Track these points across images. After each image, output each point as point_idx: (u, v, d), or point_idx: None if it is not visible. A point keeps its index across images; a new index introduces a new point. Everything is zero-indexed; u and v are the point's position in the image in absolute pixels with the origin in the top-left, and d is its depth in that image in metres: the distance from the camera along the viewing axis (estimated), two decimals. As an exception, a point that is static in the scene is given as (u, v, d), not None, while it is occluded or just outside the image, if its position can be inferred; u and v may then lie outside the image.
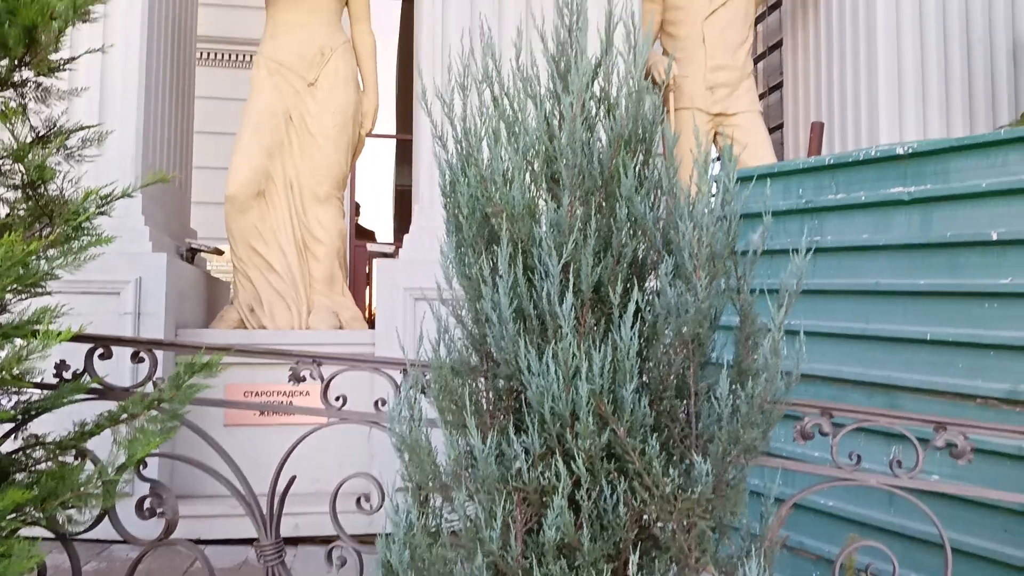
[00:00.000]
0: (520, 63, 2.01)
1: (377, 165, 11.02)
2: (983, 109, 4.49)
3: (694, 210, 1.43)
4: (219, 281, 5.32)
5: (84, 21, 2.07)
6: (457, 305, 1.85)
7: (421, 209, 4.37)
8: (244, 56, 7.59)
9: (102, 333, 2.57)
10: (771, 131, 5.56)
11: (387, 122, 9.53)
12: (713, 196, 1.63)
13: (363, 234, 9.78)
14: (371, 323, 4.94)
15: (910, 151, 2.91)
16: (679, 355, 1.43)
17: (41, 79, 2.10)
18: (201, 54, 7.20)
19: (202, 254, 4.93)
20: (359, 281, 8.59)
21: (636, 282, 1.57)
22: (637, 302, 1.42)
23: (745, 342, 1.52)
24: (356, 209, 9.50)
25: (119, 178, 3.71)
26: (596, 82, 1.93)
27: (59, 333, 1.68)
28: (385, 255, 4.90)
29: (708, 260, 1.43)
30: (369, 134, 4.87)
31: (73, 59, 2.06)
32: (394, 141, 10.11)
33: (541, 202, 1.80)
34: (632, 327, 1.36)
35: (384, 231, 10.64)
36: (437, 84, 4.13)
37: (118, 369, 2.75)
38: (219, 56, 7.53)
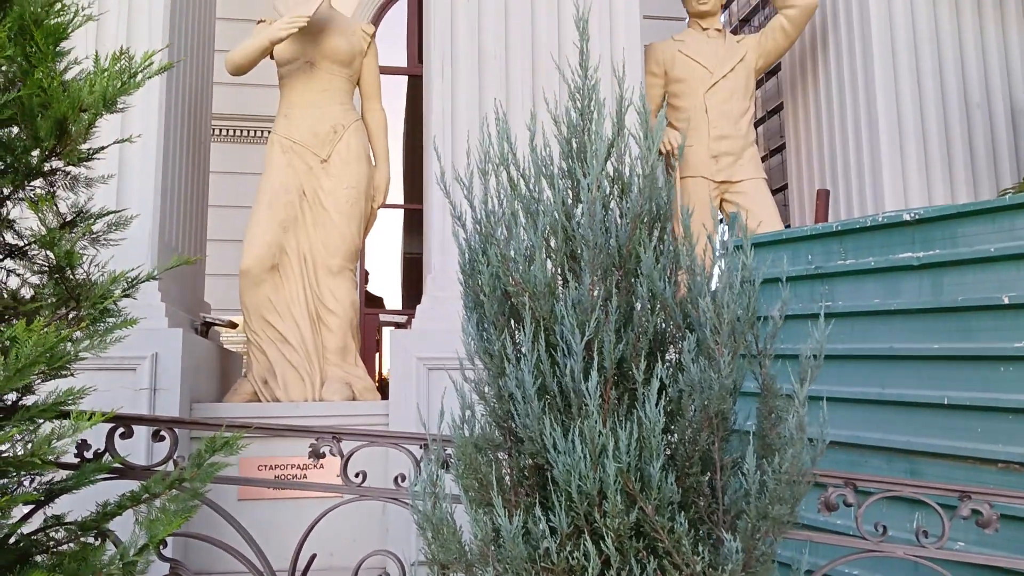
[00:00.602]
0: (534, 144, 2.08)
1: (386, 234, 11.16)
2: (985, 173, 4.56)
3: (711, 284, 1.46)
4: (232, 353, 5.35)
5: (111, 112, 2.14)
6: (479, 381, 1.87)
7: (433, 279, 4.41)
8: (256, 132, 7.78)
9: (121, 410, 2.59)
10: (774, 193, 5.65)
11: (395, 192, 9.69)
12: (724, 259, 1.66)
13: (372, 301, 9.87)
14: (382, 390, 4.94)
15: (917, 217, 2.96)
16: (704, 430, 1.45)
17: (70, 168, 2.17)
18: (215, 130, 7.38)
19: (216, 327, 4.98)
20: (369, 348, 8.61)
21: (658, 356, 1.59)
22: (661, 379, 1.44)
23: (768, 415, 1.53)
24: (365, 277, 9.58)
25: (135, 256, 3.78)
26: (609, 161, 1.99)
27: (91, 415, 1.70)
28: (398, 325, 4.93)
29: (729, 336, 1.46)
30: (381, 207, 4.96)
31: (102, 148, 2.13)
32: (402, 211, 10.26)
33: (560, 278, 1.84)
34: (657, 404, 1.38)
35: (392, 298, 10.72)
36: (453, 165, 4.24)
37: (135, 446, 2.76)
38: (232, 132, 7.71)
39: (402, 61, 8.80)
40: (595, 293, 1.55)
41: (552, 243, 1.87)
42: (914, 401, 2.91)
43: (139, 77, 1.98)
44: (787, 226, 5.93)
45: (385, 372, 8.58)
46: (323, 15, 4.51)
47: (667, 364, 1.62)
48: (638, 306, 1.64)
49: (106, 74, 2.00)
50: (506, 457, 1.67)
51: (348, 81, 4.69)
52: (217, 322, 4.78)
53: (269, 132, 7.81)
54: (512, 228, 1.77)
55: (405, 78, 9.35)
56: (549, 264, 1.84)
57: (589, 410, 1.40)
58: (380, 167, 4.85)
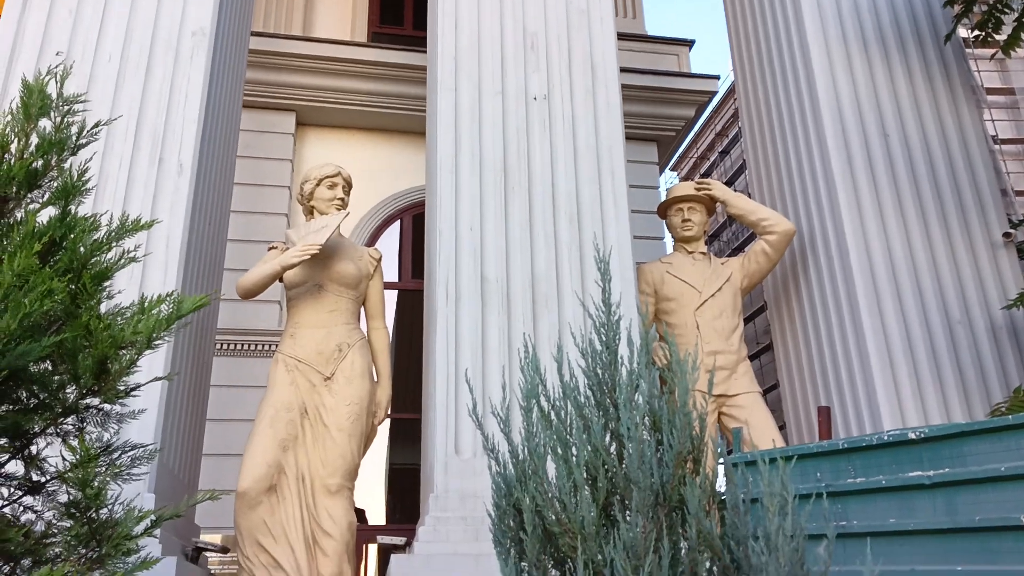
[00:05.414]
0: (562, 372, 2.16)
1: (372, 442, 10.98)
2: (976, 387, 4.70)
3: (767, 529, 1.48)
4: (217, 579, 5.10)
5: (151, 349, 2.21)
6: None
7: (436, 499, 4.33)
8: (253, 345, 7.88)
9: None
10: (765, 392, 5.73)
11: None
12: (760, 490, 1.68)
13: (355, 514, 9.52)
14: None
15: (923, 435, 3.01)
16: None
17: (105, 405, 2.19)
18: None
19: (206, 552, 4.77)
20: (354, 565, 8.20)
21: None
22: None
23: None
24: (348, 490, 9.30)
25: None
26: (638, 393, 2.06)
27: None
28: (395, 546, 4.77)
29: (785, 579, 1.46)
30: (380, 422, 4.96)
31: (138, 386, 2.17)
32: (389, 420, 10.20)
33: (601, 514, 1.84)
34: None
35: (376, 511, 10.37)
36: (455, 388, 4.33)
37: None
38: (229, 346, 7.80)
39: (394, 277, 9.16)
40: (648, 535, 1.55)
41: (587, 473, 1.89)
42: (945, 628, 2.81)
43: (185, 318, 2.06)
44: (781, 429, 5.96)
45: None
46: (333, 242, 4.75)
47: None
48: (684, 546, 1.64)
49: (153, 314, 2.08)
50: None
51: (354, 302, 4.86)
52: (209, 547, 4.59)
53: (265, 345, 7.91)
54: (556, 462, 1.80)
55: (396, 292, 9.68)
56: (587, 495, 1.85)
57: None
58: (382, 384, 4.90)
